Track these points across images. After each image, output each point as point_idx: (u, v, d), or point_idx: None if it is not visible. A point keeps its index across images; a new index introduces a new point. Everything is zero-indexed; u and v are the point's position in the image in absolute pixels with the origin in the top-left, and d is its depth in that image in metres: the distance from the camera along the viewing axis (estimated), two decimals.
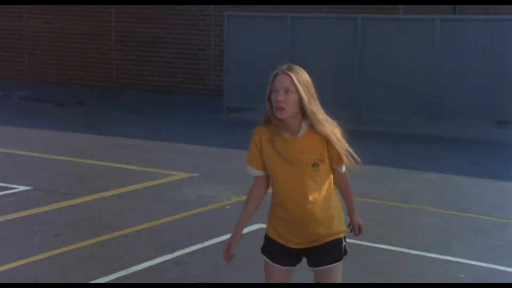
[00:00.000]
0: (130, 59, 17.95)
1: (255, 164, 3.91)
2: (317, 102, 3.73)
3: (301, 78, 3.68)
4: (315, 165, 3.77)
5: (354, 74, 13.23)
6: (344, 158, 3.75)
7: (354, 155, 3.77)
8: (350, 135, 3.96)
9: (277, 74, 3.73)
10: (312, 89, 3.71)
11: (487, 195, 9.03)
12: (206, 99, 16.61)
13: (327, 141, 3.76)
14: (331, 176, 3.87)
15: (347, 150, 3.76)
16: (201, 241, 6.94)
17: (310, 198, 3.78)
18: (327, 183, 3.83)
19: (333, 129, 3.76)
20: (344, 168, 3.87)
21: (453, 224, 7.80)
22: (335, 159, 3.82)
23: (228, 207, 8.19)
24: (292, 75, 3.66)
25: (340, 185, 3.94)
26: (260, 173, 3.93)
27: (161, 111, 15.11)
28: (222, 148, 11.47)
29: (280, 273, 3.97)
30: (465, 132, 12.82)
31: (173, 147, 11.58)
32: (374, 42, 13.13)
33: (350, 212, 4.09)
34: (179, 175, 9.66)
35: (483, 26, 12.58)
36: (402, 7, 14.62)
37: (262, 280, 4.13)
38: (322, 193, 3.80)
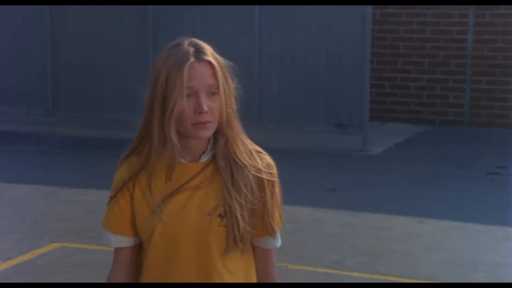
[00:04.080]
0: None
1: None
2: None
3: (221, 65, 2.66)
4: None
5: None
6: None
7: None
8: None
9: (189, 62, 2.60)
10: (231, 82, 2.70)
11: (358, 236, 7.42)
12: None
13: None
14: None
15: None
16: None
17: None
18: None
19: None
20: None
21: None
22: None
23: None
24: (214, 62, 2.62)
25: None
26: None
27: None
28: None
29: None
30: (291, 139, 10.99)
31: None
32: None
33: None
34: None
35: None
36: None
37: None
38: None
